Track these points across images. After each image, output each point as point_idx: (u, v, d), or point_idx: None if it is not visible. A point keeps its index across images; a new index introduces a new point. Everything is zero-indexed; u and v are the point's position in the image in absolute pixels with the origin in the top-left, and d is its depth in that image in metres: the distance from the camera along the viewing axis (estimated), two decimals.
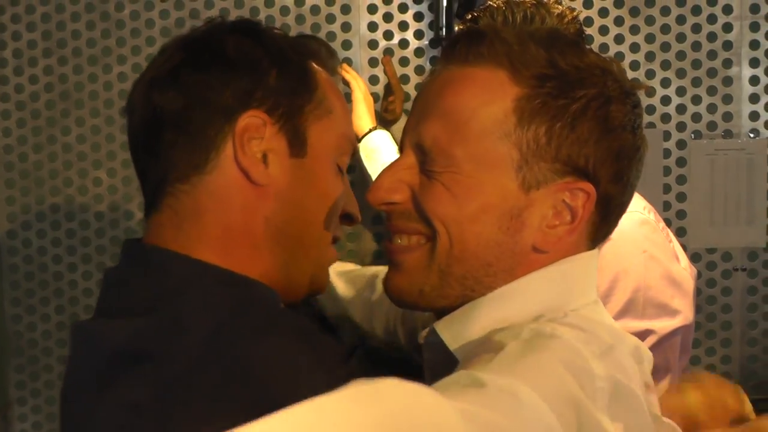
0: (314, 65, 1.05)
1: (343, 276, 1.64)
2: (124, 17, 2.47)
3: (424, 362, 1.04)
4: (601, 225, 0.98)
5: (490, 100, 0.93)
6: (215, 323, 0.87)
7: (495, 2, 1.63)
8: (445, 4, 2.39)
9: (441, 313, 0.98)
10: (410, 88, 2.49)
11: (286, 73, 1.00)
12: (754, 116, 2.59)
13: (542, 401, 0.73)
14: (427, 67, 2.49)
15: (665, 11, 2.52)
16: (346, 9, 2.51)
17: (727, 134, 2.60)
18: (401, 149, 1.01)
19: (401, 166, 0.98)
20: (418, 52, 2.52)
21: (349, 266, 1.79)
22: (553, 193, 0.93)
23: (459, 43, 0.99)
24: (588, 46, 1.02)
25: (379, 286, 1.49)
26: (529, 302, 0.94)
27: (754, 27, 2.56)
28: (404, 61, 2.51)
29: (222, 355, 0.84)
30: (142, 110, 1.00)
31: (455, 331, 0.95)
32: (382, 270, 1.53)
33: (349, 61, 2.50)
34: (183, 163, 0.97)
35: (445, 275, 0.95)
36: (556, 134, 0.91)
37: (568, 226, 0.93)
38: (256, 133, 0.96)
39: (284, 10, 2.51)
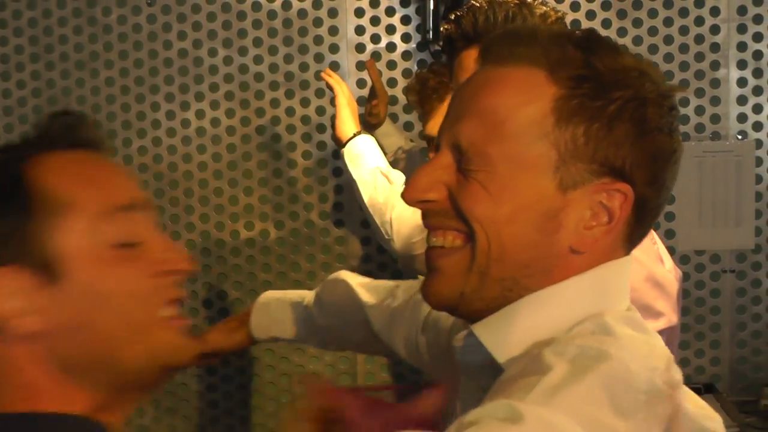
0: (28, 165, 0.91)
1: (364, 286, 1.65)
2: (111, 22, 2.49)
3: (459, 365, 1.06)
4: (636, 227, 0.99)
5: (527, 100, 0.95)
6: None
7: (478, 2, 1.63)
8: (431, 7, 2.43)
9: (475, 315, 0.99)
10: (397, 92, 2.51)
11: None
12: (742, 118, 2.61)
13: None
14: (415, 69, 2.52)
15: (653, 14, 2.55)
16: (333, 12, 2.53)
17: (715, 136, 2.62)
18: (437, 149, 1.02)
19: (438, 165, 0.99)
20: (406, 55, 2.55)
21: (366, 278, 1.80)
22: (590, 193, 0.94)
23: (496, 43, 1.02)
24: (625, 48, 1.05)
25: (400, 295, 1.50)
26: (570, 307, 0.96)
27: (742, 29, 2.58)
28: (391, 65, 2.53)
29: None
30: None
31: (495, 334, 0.96)
32: (403, 282, 1.55)
33: (336, 65, 2.51)
34: None
35: (485, 277, 0.95)
36: (593, 135, 0.93)
37: (605, 227, 0.95)
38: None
39: (271, 14, 2.53)
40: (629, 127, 0.94)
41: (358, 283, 1.63)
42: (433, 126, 2.10)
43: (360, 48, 2.53)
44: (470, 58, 1.58)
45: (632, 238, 1.00)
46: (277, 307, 1.66)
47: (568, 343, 0.87)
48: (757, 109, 2.65)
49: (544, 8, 1.56)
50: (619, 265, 0.99)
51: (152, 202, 0.95)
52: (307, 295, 1.64)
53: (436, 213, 0.98)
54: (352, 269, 2.62)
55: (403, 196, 1.00)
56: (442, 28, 1.82)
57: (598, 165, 0.94)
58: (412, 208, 2.22)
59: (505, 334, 0.95)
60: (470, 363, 1.00)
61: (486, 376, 0.81)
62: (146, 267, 0.90)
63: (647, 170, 0.96)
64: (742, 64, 2.58)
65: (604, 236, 0.95)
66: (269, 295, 1.71)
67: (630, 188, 0.94)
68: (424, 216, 1.02)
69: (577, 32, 1.00)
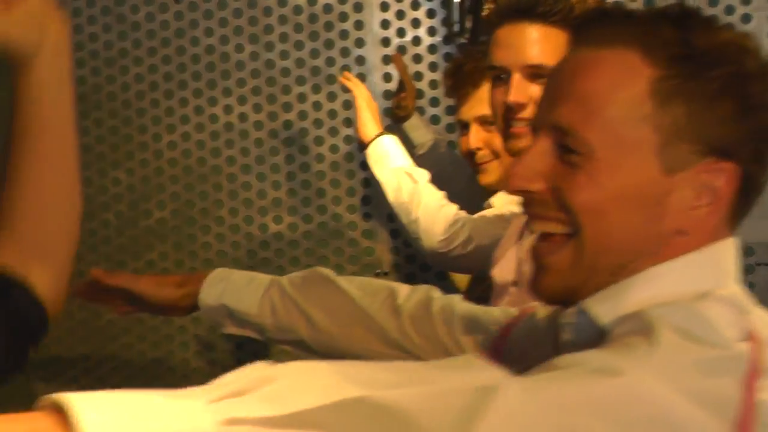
0: None
1: (359, 287, 1.54)
2: (139, 19, 2.55)
3: (561, 346, 1.06)
4: (741, 206, 0.99)
5: (624, 83, 0.94)
6: None
7: None
8: (457, 0, 2.45)
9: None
10: (423, 85, 2.56)
11: None
12: None
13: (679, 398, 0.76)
14: (441, 63, 2.56)
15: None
16: (358, 7, 2.57)
17: None
18: (533, 133, 1.02)
19: (535, 153, 0.99)
20: (431, 48, 2.59)
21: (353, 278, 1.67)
22: (695, 174, 0.94)
23: (589, 24, 1.02)
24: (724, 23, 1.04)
25: (403, 291, 1.46)
26: (680, 284, 0.96)
27: None
28: (417, 58, 2.58)
29: None
30: None
31: (606, 308, 0.96)
32: (394, 284, 1.50)
33: (362, 59, 2.57)
34: None
35: (594, 268, 0.96)
36: (695, 115, 0.93)
37: (711, 207, 0.95)
38: None
39: (297, 9, 2.58)
40: (732, 105, 0.93)
41: (354, 285, 1.52)
42: (467, 110, 2.14)
43: (385, 42, 2.58)
44: (507, 33, 1.62)
45: (738, 216, 1.00)
46: (241, 276, 1.47)
47: (677, 310, 0.88)
48: None
49: None
50: (728, 244, 0.99)
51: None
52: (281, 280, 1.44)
53: (539, 203, 0.99)
54: (380, 262, 2.67)
55: (508, 184, 1.01)
56: (485, 7, 1.84)
57: (702, 145, 0.93)
58: (437, 206, 2.22)
59: (616, 306, 0.95)
60: (579, 341, 1.01)
61: None
62: None
63: (752, 147, 0.95)
64: None
65: (710, 216, 0.95)
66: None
67: (735, 167, 0.94)
68: (525, 204, 1.03)
69: (672, 8, 0.99)
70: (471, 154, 2.13)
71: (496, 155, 2.09)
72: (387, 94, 2.40)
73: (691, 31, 0.95)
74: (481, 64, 1.97)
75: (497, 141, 1.89)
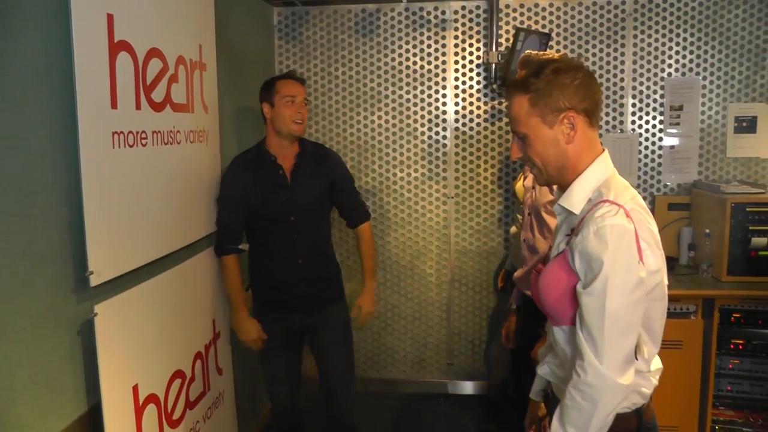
0: None
1: None
2: None
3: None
4: (590, 127, 2.24)
5: (521, 107, 2.23)
6: None
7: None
8: (494, 69, 5.22)
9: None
10: (474, 107, 5.37)
11: None
12: None
13: None
14: (483, 98, 5.33)
15: None
16: (444, 69, 5.38)
17: None
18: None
19: (515, 144, 2.32)
20: (479, 91, 5.36)
21: None
22: (560, 123, 2.21)
23: (508, 88, 2.34)
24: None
25: None
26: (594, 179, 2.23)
27: None
28: (471, 96, 5.33)
29: None
30: None
31: (566, 202, 2.22)
32: None
33: (444, 95, 5.42)
34: None
35: (549, 176, 2.28)
36: (545, 102, 2.20)
37: (576, 135, 2.21)
38: None
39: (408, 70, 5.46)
40: (556, 91, 2.17)
41: None
42: None
43: (456, 87, 5.38)
44: None
45: (593, 131, 2.24)
46: None
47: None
48: None
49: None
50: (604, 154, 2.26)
51: None
52: None
53: (524, 160, 2.29)
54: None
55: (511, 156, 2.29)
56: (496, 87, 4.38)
57: (556, 110, 2.16)
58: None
59: (571, 201, 2.22)
60: (560, 213, 2.31)
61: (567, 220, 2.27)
62: None
63: (576, 100, 2.16)
64: None
65: (580, 141, 2.20)
66: None
67: (574, 113, 2.17)
68: (524, 162, 2.35)
69: (531, 64, 2.27)
70: None
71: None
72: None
73: (534, 74, 2.19)
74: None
75: None
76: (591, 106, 2.17)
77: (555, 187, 2.35)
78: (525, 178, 3.95)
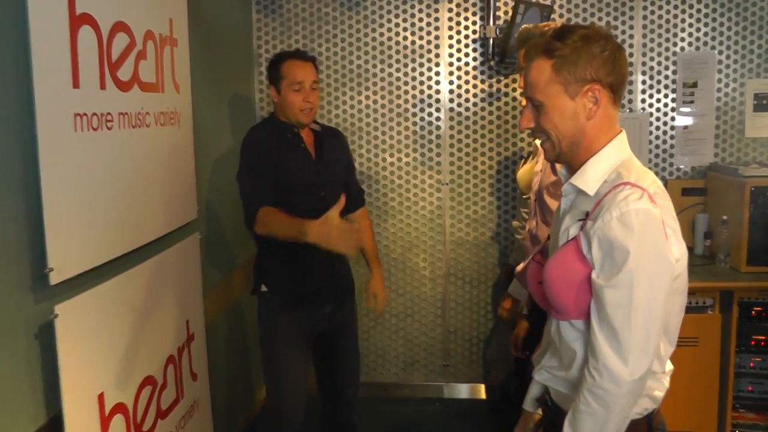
0: None
1: None
2: None
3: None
4: (614, 102, 2.18)
5: (542, 73, 2.16)
6: None
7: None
8: (491, 45, 5.11)
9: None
10: (470, 86, 5.27)
11: None
12: None
13: None
14: (479, 76, 5.24)
15: None
16: (437, 45, 5.28)
17: None
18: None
19: (527, 110, 2.23)
20: (475, 68, 5.26)
21: None
22: (584, 95, 2.15)
23: (528, 50, 2.29)
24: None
25: None
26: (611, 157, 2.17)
27: None
28: (467, 73, 5.24)
29: None
30: None
31: (579, 180, 2.16)
32: None
33: (438, 74, 5.32)
34: None
35: (561, 151, 2.22)
36: (570, 70, 2.12)
37: (599, 110, 2.16)
38: None
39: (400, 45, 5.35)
40: (584, 60, 2.09)
41: None
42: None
43: (450, 65, 5.28)
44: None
45: (616, 108, 2.19)
46: None
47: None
48: None
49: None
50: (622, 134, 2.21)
51: None
52: None
53: (534, 130, 2.20)
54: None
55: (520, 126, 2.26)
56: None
57: (581, 81, 2.09)
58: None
59: (584, 180, 2.15)
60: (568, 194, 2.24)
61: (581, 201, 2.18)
62: None
63: (603, 72, 2.09)
64: None
65: (603, 117, 2.15)
66: None
67: (600, 86, 2.09)
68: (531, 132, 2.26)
69: (555, 29, 2.17)
70: None
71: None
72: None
73: (559, 38, 2.07)
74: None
75: None
76: (617, 81, 2.10)
77: (559, 167, 2.30)
78: (534, 162, 3.78)
